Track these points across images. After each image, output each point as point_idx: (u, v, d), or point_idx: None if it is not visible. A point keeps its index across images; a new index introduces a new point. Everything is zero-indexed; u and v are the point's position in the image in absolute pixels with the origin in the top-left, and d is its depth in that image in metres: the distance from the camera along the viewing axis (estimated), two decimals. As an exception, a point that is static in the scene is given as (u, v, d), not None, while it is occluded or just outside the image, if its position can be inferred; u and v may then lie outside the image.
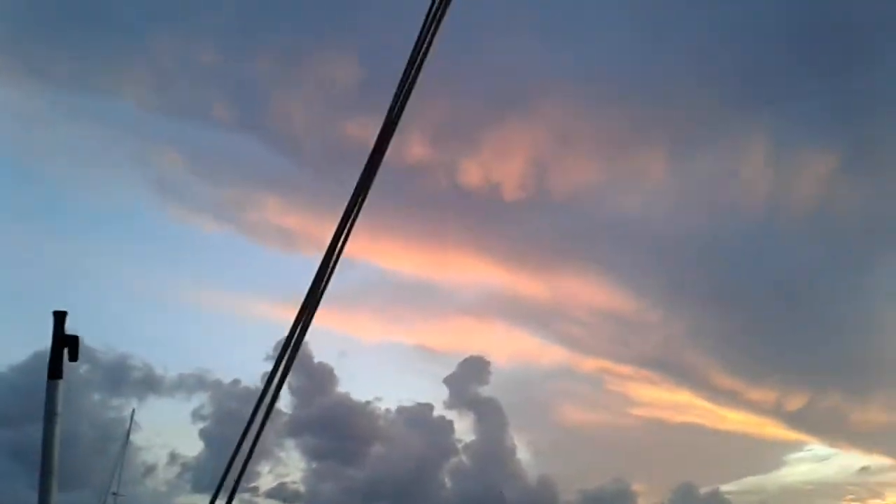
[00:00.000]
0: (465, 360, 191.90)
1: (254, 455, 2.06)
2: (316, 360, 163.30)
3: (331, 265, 2.22)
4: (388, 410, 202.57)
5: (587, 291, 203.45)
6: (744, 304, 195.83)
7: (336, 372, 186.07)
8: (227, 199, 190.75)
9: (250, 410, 2.34)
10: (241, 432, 2.19)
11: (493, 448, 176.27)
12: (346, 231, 2.23)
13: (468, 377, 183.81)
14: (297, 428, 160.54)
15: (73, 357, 5.43)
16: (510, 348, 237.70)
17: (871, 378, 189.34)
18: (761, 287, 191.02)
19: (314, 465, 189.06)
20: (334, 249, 2.23)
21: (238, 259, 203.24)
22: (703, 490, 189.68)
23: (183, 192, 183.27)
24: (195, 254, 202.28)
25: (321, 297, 2.21)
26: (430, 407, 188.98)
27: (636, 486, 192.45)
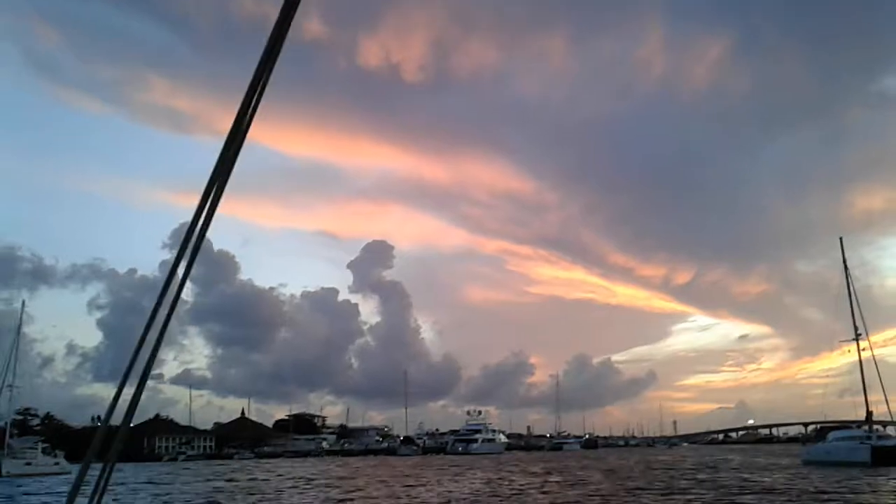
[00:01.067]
0: (369, 245, 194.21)
1: (153, 346, 1.99)
2: (216, 248, 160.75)
3: (231, 151, 2.10)
4: (292, 296, 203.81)
5: (488, 174, 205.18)
6: (637, 185, 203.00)
7: (238, 259, 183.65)
8: (111, 79, 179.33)
9: (150, 299, 2.26)
10: (144, 325, 2.10)
11: (398, 329, 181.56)
12: (248, 115, 2.10)
13: (372, 261, 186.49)
14: (199, 316, 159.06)
15: None
16: (412, 232, 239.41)
17: (751, 253, 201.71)
18: (654, 168, 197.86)
19: (219, 351, 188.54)
20: (236, 134, 2.10)
21: (126, 143, 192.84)
22: (596, 360, 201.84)
23: (61, 72, 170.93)
24: (79, 138, 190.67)
25: (224, 185, 2.10)
26: (334, 291, 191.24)
27: (534, 359, 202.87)
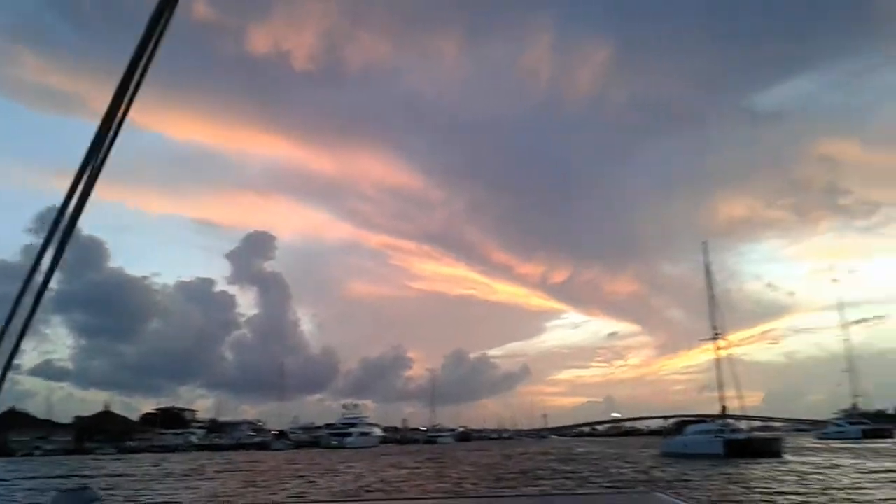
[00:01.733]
0: (249, 235, 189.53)
1: (17, 335, 1.86)
2: (86, 233, 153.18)
3: (108, 134, 2.00)
4: (165, 286, 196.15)
5: (375, 168, 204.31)
6: (522, 186, 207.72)
7: (108, 246, 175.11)
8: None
9: (9, 285, 2.13)
10: (7, 316, 1.97)
11: (276, 321, 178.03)
12: (127, 97, 2.01)
13: (252, 252, 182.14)
14: (63, 304, 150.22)
15: None
16: (296, 224, 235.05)
17: (623, 255, 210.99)
18: (538, 169, 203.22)
19: (83, 341, 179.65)
20: (112, 116, 2.01)
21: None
22: (473, 355, 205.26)
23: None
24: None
25: (98, 170, 2.00)
26: (211, 282, 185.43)
27: (412, 353, 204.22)
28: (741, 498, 23.11)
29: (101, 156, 1.83)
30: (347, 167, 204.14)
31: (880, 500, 21.46)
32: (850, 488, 24.92)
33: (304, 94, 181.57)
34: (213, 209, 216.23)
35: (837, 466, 36.41)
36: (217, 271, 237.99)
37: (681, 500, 2.78)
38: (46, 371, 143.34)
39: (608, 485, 27.97)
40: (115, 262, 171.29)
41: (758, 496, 23.30)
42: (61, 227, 1.88)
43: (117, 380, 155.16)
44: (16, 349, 1.82)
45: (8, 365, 1.81)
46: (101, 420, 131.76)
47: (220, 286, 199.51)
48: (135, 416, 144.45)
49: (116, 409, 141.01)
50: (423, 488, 29.83)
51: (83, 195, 1.86)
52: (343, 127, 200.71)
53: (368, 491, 28.81)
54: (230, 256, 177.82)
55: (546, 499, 3.46)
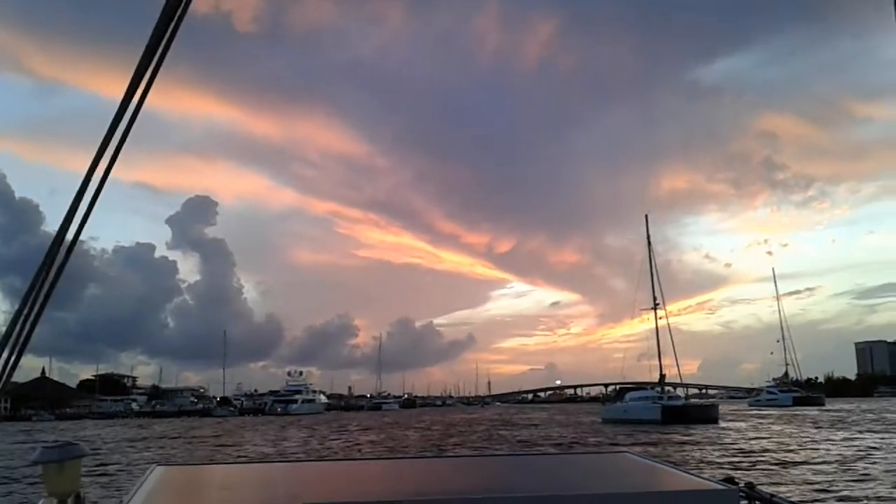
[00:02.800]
0: (190, 200, 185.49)
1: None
2: (18, 195, 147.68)
3: (125, 121, 2.00)
4: (104, 250, 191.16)
5: (321, 134, 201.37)
6: (468, 155, 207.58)
7: (43, 209, 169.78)
8: None
9: None
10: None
11: (218, 288, 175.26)
12: (144, 81, 1.99)
13: (193, 217, 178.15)
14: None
15: None
16: (239, 189, 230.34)
17: (567, 225, 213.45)
18: (486, 139, 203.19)
19: (18, 306, 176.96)
20: (130, 98, 2.00)
21: None
22: (419, 323, 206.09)
23: None
24: None
25: (115, 157, 1.99)
26: (151, 247, 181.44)
27: (358, 321, 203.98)
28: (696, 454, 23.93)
29: (117, 142, 1.82)
30: (291, 132, 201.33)
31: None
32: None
33: (247, 55, 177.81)
34: (151, 172, 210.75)
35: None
36: (157, 236, 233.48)
37: (652, 460, 2.94)
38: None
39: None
40: (49, 226, 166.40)
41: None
42: (79, 212, 1.88)
43: (56, 346, 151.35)
44: (31, 332, 1.78)
45: (20, 353, 1.77)
46: (38, 386, 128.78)
47: (161, 252, 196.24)
48: (73, 383, 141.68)
49: (54, 376, 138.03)
50: (402, 450, 30.24)
51: (102, 179, 1.86)
52: (286, 90, 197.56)
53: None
54: (170, 221, 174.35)
55: (522, 458, 3.62)
